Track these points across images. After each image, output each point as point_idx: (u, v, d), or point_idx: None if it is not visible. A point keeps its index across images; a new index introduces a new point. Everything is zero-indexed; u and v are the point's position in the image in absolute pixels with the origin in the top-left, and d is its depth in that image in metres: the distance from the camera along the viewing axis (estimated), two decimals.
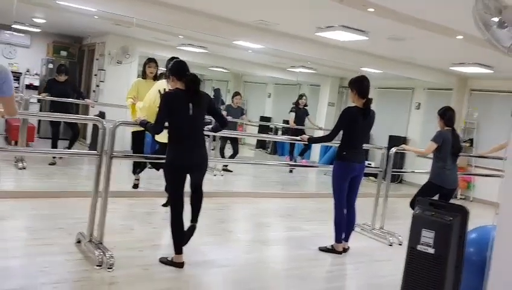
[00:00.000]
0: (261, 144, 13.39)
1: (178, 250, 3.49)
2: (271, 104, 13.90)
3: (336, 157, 4.37)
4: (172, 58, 4.11)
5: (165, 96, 3.52)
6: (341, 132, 4.31)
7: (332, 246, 4.38)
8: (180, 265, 3.48)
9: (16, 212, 4.56)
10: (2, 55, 9.61)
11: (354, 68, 8.63)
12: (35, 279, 3.03)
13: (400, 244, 4.84)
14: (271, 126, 12.33)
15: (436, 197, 4.55)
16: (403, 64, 8.13)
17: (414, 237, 2.91)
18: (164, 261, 3.53)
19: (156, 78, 5.66)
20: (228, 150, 8.37)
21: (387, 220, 5.23)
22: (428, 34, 5.35)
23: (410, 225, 2.96)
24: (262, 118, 12.94)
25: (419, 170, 6.60)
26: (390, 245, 4.85)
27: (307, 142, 4.88)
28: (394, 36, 5.87)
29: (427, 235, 2.85)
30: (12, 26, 8.42)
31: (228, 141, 8.35)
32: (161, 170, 3.79)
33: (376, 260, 4.44)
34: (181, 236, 3.51)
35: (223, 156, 8.20)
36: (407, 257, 2.93)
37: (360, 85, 4.26)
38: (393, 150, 5.18)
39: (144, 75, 5.70)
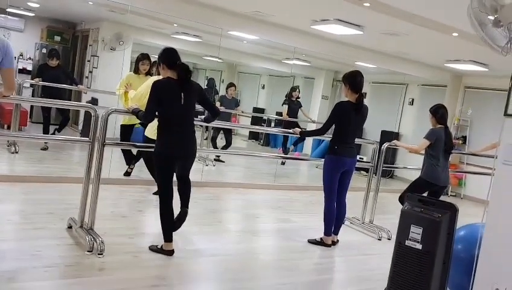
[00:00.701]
0: (254, 136, 13.39)
1: (168, 238, 3.51)
2: (264, 95, 13.87)
3: (328, 151, 4.39)
4: (165, 49, 4.04)
5: (156, 85, 3.44)
6: (333, 126, 4.33)
7: (321, 238, 4.42)
8: (170, 253, 3.50)
9: (8, 196, 4.54)
10: None
11: (349, 62, 8.64)
12: (26, 262, 3.04)
13: (389, 239, 4.90)
14: (264, 118, 12.33)
15: (426, 194, 4.61)
16: (398, 60, 8.16)
17: (402, 232, 2.96)
18: (154, 249, 3.55)
19: (149, 73, 5.63)
20: (221, 140, 8.37)
21: (377, 214, 5.28)
22: (424, 30, 5.37)
23: (399, 220, 3.00)
24: (256, 110, 12.92)
25: (411, 165, 6.66)
26: (379, 239, 4.91)
27: (299, 135, 4.89)
28: (389, 31, 5.89)
29: (416, 231, 2.89)
30: (7, 9, 8.30)
31: (221, 132, 8.35)
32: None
33: (365, 254, 4.49)
34: (171, 224, 3.53)
35: (215, 146, 8.20)
36: (394, 252, 2.97)
37: (353, 80, 4.26)
38: (385, 145, 5.22)
39: (136, 70, 5.67)
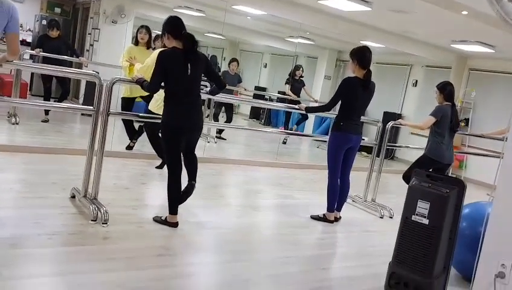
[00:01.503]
0: (255, 115, 13.32)
1: (173, 210, 3.50)
2: (266, 74, 13.76)
3: (333, 127, 4.34)
4: (169, 18, 3.93)
5: (161, 55, 3.35)
6: (339, 103, 4.27)
7: (324, 215, 4.41)
8: (175, 225, 3.49)
9: (9, 166, 4.52)
10: None
11: (353, 41, 8.51)
12: (30, 229, 3.02)
13: (391, 217, 4.90)
14: (266, 96, 12.24)
15: None
16: (404, 39, 8.05)
17: (409, 207, 2.94)
18: (158, 220, 3.54)
19: (149, 45, 5.57)
20: (222, 118, 8.32)
21: (379, 194, 5.27)
22: (433, 8, 5.26)
23: (406, 195, 2.99)
24: (257, 88, 12.83)
25: (413, 145, 6.63)
26: (381, 217, 4.91)
27: (304, 111, 4.83)
28: (397, 8, 5.78)
29: (423, 206, 2.88)
30: None
31: (222, 109, 8.30)
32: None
33: (367, 231, 4.50)
34: (177, 196, 3.51)
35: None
36: (400, 227, 2.96)
37: (362, 55, 4.18)
38: (390, 124, 5.17)
39: (136, 42, 5.62)
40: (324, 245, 4.01)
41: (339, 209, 4.49)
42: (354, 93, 4.19)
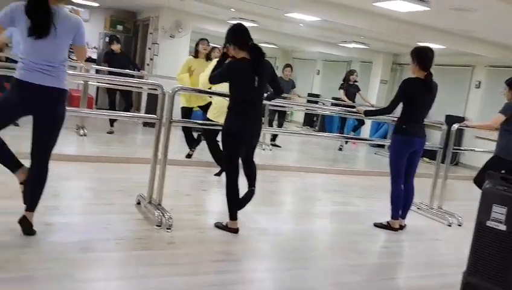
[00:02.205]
0: (309, 122, 13.23)
1: (233, 216, 3.52)
2: (319, 81, 13.67)
3: (395, 131, 4.19)
4: (233, 26, 3.84)
5: (231, 64, 3.43)
6: (399, 106, 4.12)
7: (388, 222, 4.25)
8: (235, 231, 3.51)
9: (79, 175, 4.76)
10: None
11: (410, 43, 8.19)
12: (99, 234, 3.15)
13: (460, 225, 4.65)
14: (319, 103, 12.13)
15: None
16: (465, 39, 7.68)
17: (483, 212, 2.76)
18: (219, 225, 3.57)
19: (209, 57, 5.70)
20: (275, 124, 8.36)
21: (445, 201, 5.02)
22: (496, 4, 4.99)
23: (480, 199, 2.81)
24: (311, 95, 12.76)
25: (479, 148, 6.27)
26: (450, 225, 4.66)
27: (362, 115, 4.69)
28: (459, 6, 5.53)
29: (499, 211, 2.70)
30: (74, 1, 8.67)
31: (276, 115, 8.34)
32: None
33: (435, 239, 4.29)
34: (236, 202, 3.53)
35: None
36: (475, 233, 2.79)
37: (424, 56, 4.02)
38: (455, 126, 4.94)
39: (196, 53, 5.76)
40: (390, 254, 3.86)
41: (403, 216, 4.30)
42: (416, 95, 4.02)
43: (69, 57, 3.09)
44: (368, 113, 4.68)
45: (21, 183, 2.95)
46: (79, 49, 2.95)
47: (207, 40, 5.83)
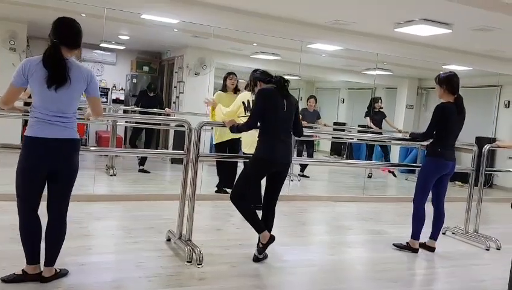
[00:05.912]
0: (336, 150, 13.11)
1: (259, 229, 3.48)
2: (345, 109, 13.62)
3: (429, 153, 4.20)
4: (256, 70, 4.05)
5: (261, 92, 3.57)
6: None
7: (407, 243, 4.23)
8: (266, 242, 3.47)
9: (110, 213, 4.84)
10: None
11: (435, 66, 8.19)
12: (132, 272, 3.17)
13: (498, 249, 4.47)
14: (346, 131, 12.05)
15: None
16: (490, 59, 7.59)
17: None
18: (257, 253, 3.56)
19: (236, 90, 5.79)
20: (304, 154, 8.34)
21: (481, 224, 4.85)
22: None
23: None
24: (336, 124, 12.71)
25: None
26: (487, 249, 4.48)
27: (408, 137, 4.74)
28: (480, 26, 5.50)
29: None
30: (101, 44, 9.07)
31: (304, 148, 8.34)
32: None
33: (472, 264, 4.12)
34: (256, 217, 3.52)
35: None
36: None
37: (451, 81, 4.09)
38: (487, 147, 4.83)
39: (224, 88, 5.86)
40: (427, 281, 3.73)
41: (435, 237, 4.28)
42: (450, 119, 4.08)
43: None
44: (412, 135, 4.77)
45: None
46: (94, 101, 2.88)
47: (235, 74, 5.92)
